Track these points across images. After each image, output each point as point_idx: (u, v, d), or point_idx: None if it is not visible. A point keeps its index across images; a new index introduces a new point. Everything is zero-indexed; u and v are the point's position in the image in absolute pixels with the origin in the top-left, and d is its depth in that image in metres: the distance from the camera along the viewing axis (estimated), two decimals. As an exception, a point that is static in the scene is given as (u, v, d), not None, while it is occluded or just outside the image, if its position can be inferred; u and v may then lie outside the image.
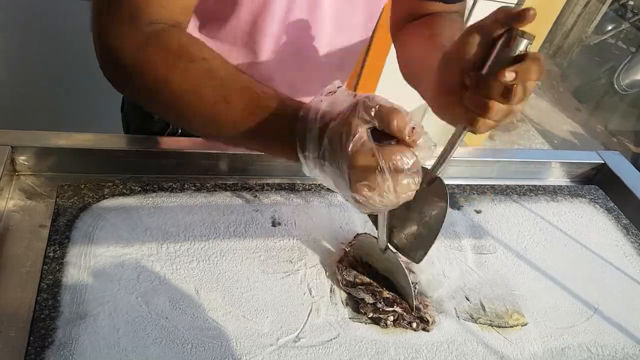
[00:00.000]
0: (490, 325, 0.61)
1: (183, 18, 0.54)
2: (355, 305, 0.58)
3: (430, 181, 0.54)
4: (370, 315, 0.57)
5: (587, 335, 0.63)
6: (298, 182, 0.73)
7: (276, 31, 0.67)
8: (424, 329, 0.58)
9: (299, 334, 0.54)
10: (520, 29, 0.46)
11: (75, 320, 0.49)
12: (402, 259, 0.58)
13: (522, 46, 0.46)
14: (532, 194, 0.83)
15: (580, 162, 0.91)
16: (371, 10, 0.73)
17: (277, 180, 0.72)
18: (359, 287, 0.59)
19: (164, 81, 0.49)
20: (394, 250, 0.59)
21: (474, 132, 0.50)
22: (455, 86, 0.49)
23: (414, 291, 0.59)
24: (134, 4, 0.50)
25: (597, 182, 0.91)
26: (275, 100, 0.49)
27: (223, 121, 0.50)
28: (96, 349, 0.47)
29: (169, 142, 0.69)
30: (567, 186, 0.88)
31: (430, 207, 0.54)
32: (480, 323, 0.61)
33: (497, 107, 0.47)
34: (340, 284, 0.60)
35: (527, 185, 0.85)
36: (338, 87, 0.48)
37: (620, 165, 0.91)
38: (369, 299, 0.58)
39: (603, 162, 0.91)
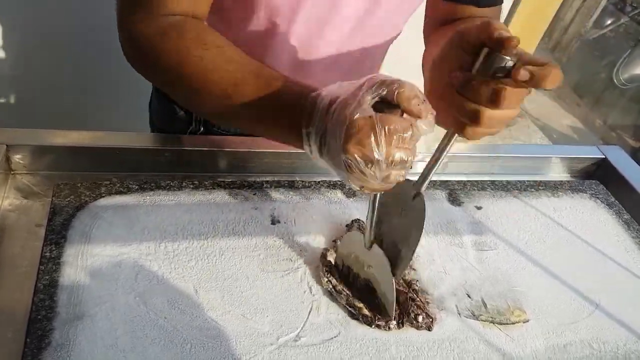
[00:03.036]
0: (492, 322, 0.60)
1: (202, 10, 0.57)
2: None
3: (414, 196, 0.53)
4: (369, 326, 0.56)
5: (589, 331, 0.62)
6: (297, 179, 0.72)
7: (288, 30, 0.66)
8: (427, 327, 0.57)
9: (299, 332, 0.54)
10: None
11: (72, 320, 0.49)
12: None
13: (503, 63, 0.45)
14: (532, 189, 0.83)
15: (580, 157, 0.91)
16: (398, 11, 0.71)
17: (276, 178, 0.72)
18: (341, 295, 0.57)
19: (179, 66, 0.52)
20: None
21: (465, 137, 0.49)
22: (445, 89, 0.48)
23: (395, 294, 0.55)
24: None
25: (598, 177, 0.91)
26: (285, 84, 0.49)
27: (232, 104, 0.51)
28: (94, 350, 0.47)
29: (167, 140, 0.68)
30: (567, 181, 0.87)
31: (410, 223, 0.54)
32: (481, 320, 0.60)
33: (488, 114, 0.46)
34: (324, 286, 0.58)
35: (527, 180, 0.84)
36: None
37: (621, 160, 0.90)
38: (351, 311, 0.57)
39: (604, 157, 0.91)
